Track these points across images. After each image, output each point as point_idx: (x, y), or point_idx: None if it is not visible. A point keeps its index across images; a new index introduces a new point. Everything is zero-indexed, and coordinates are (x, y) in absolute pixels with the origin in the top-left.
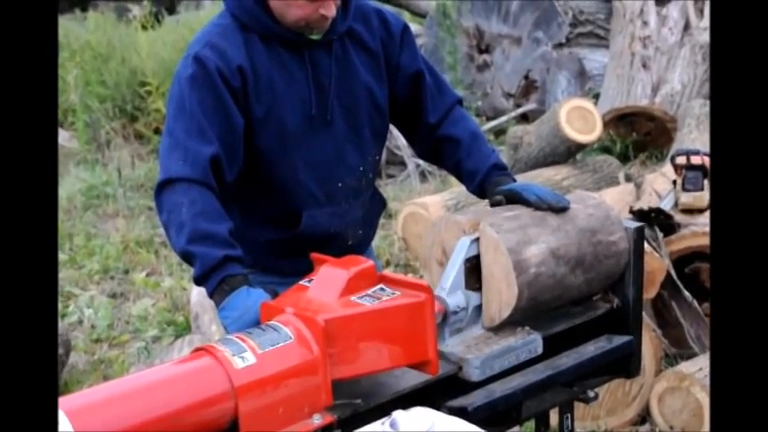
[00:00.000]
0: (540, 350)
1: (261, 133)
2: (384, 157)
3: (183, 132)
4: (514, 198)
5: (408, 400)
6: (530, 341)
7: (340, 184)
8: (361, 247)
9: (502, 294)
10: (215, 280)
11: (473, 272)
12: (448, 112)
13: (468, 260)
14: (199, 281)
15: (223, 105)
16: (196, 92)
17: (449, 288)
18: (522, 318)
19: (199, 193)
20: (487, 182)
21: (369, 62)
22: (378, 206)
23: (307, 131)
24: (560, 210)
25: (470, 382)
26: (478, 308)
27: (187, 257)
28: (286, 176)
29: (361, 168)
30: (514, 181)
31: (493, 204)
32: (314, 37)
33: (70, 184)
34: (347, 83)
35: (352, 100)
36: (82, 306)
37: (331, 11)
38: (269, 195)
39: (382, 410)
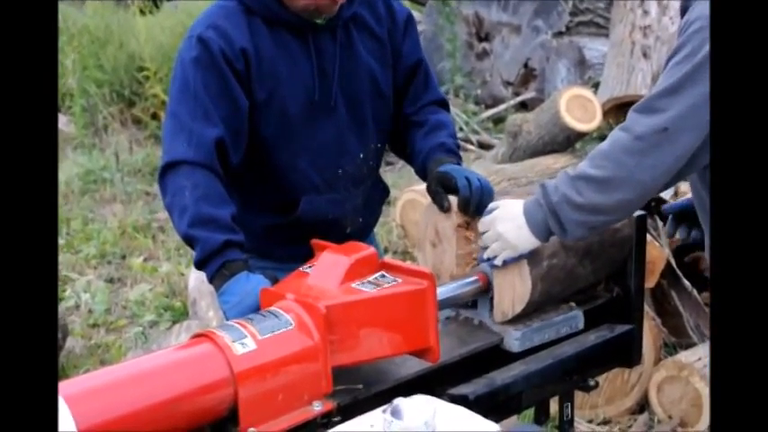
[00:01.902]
0: (581, 326)
1: (261, 118)
2: None
3: (187, 115)
4: (445, 180)
5: (409, 387)
6: (571, 316)
7: (340, 172)
8: (362, 235)
9: (515, 288)
10: (215, 265)
11: None
12: (424, 105)
13: None
14: (199, 265)
15: (227, 87)
16: (200, 74)
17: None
18: (531, 310)
19: (202, 177)
20: (428, 161)
21: (374, 48)
22: (380, 194)
23: (308, 118)
24: (474, 212)
25: (511, 352)
26: None
27: (189, 241)
28: (285, 162)
29: (362, 156)
30: (458, 164)
31: (429, 191)
32: (319, 21)
33: (68, 169)
34: (351, 69)
35: (355, 86)
36: (79, 291)
37: None
38: (268, 181)
39: (383, 398)
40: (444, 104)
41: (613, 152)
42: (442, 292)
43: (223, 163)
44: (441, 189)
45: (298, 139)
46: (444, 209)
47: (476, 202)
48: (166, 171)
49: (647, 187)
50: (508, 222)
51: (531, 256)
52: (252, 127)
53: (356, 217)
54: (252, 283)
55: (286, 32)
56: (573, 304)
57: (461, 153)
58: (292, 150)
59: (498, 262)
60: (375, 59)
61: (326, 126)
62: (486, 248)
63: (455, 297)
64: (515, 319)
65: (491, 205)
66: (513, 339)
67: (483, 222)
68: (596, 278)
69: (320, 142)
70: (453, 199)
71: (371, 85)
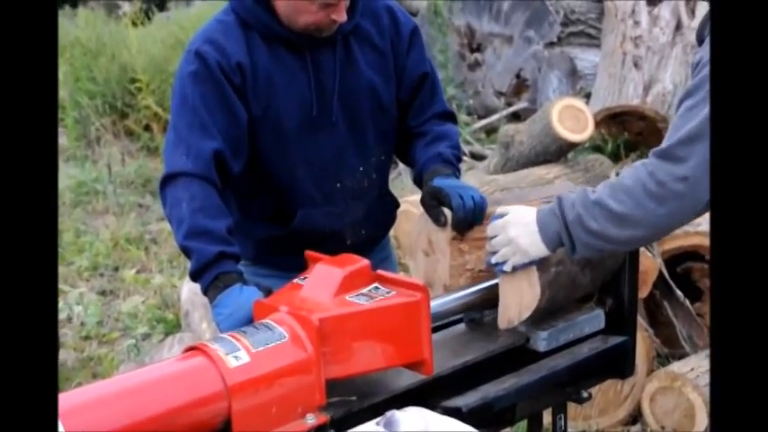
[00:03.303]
0: (602, 325)
1: (258, 132)
2: None
3: (185, 127)
4: (439, 197)
5: (403, 399)
6: (593, 316)
7: (338, 185)
8: (367, 247)
9: (523, 294)
10: (209, 276)
11: None
12: (429, 118)
13: None
14: (194, 276)
15: (225, 99)
16: (198, 87)
17: None
18: (537, 317)
19: (199, 189)
20: (424, 171)
21: (376, 61)
22: (387, 206)
23: (306, 132)
24: (465, 227)
25: (537, 352)
26: None
27: (185, 252)
28: (282, 175)
29: (362, 169)
30: (457, 177)
31: (423, 204)
32: (316, 35)
33: (60, 181)
34: (350, 83)
35: (355, 101)
36: (71, 303)
37: (342, 16)
38: (265, 193)
39: (376, 410)
40: (450, 116)
41: (635, 191)
42: (466, 294)
43: (222, 174)
44: (435, 203)
45: (294, 153)
46: (440, 223)
47: (469, 222)
48: (166, 182)
49: (661, 229)
50: (520, 228)
51: (540, 263)
52: (249, 139)
53: (357, 230)
54: (245, 295)
55: (283, 48)
56: (592, 304)
57: None
58: (289, 164)
59: (508, 267)
60: (376, 72)
61: (325, 141)
62: (493, 253)
63: (478, 299)
64: (540, 320)
65: (500, 210)
66: (541, 339)
67: (493, 227)
68: (593, 288)
69: (318, 156)
70: (449, 212)
71: (372, 99)
